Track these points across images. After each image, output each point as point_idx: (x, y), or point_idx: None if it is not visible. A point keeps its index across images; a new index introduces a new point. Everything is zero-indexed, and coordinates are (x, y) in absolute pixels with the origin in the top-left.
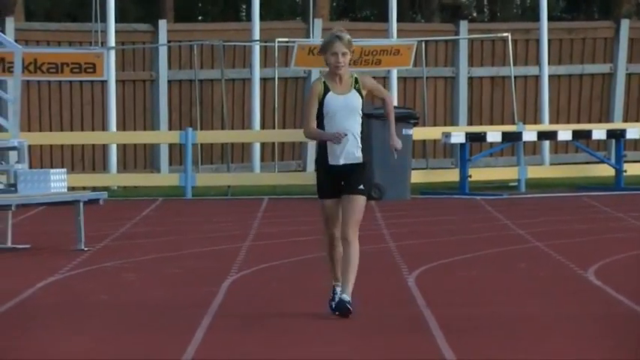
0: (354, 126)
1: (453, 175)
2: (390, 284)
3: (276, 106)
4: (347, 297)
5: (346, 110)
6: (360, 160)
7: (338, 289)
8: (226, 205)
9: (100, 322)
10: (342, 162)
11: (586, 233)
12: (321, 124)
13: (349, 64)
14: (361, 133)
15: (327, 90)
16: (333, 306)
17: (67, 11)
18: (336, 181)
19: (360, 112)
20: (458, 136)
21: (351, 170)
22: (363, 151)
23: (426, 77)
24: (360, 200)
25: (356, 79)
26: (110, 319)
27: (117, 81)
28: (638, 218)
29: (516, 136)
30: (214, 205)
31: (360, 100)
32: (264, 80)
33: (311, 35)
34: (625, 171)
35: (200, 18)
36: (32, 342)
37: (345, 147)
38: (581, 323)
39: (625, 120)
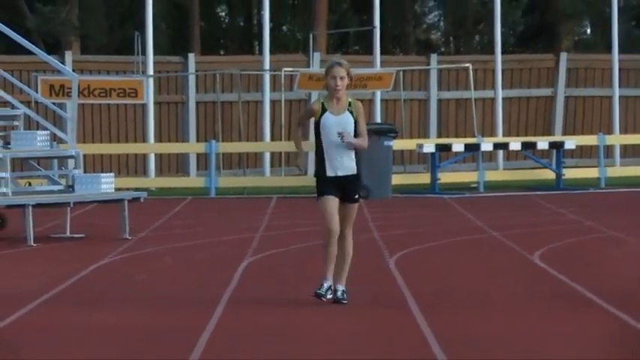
0: (343, 143)
1: (425, 178)
2: (374, 266)
3: (283, 122)
4: (342, 287)
5: (339, 128)
6: (355, 172)
7: (326, 285)
8: (242, 203)
9: (140, 297)
10: (339, 173)
11: (533, 225)
12: (318, 139)
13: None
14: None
15: (324, 110)
16: (321, 290)
17: (114, 46)
18: (336, 186)
19: (352, 133)
20: (429, 147)
21: (348, 180)
22: (357, 163)
23: (403, 99)
24: (356, 207)
25: (350, 102)
26: (148, 295)
27: (154, 103)
28: (575, 213)
29: (476, 147)
30: (233, 203)
31: (352, 120)
32: (273, 102)
33: (311, 65)
34: (564, 175)
35: (222, 52)
36: (85, 312)
37: (341, 161)
38: (530, 298)
39: (564, 133)
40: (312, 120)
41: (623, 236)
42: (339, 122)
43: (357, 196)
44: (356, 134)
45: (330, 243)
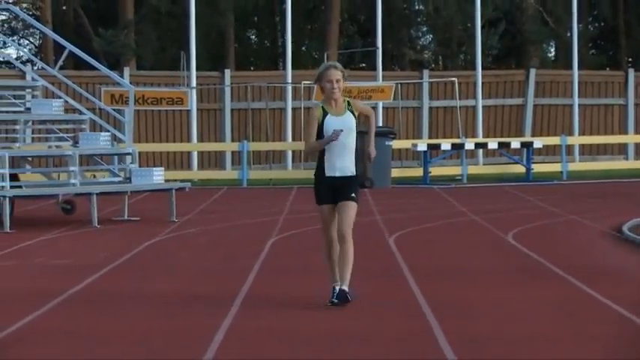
0: (350, 142)
1: (418, 172)
2: (377, 243)
3: (303, 126)
4: (346, 288)
5: (343, 129)
6: (353, 174)
7: (337, 288)
8: (269, 192)
9: (184, 268)
10: (337, 174)
11: (507, 210)
12: None
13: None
14: (356, 150)
15: (325, 113)
16: (334, 297)
17: (164, 63)
18: (332, 191)
19: (355, 131)
20: (422, 146)
21: (345, 181)
22: (356, 165)
23: (401, 107)
24: (353, 205)
25: (348, 102)
26: (191, 267)
27: (197, 110)
28: (541, 200)
29: (460, 146)
30: (261, 192)
31: (354, 120)
32: (294, 109)
33: None
34: (532, 169)
35: (252, 68)
36: (139, 280)
37: (342, 161)
38: (504, 269)
39: (532, 135)
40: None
41: (581, 220)
42: (341, 123)
43: (353, 194)
44: (358, 133)
45: (331, 253)
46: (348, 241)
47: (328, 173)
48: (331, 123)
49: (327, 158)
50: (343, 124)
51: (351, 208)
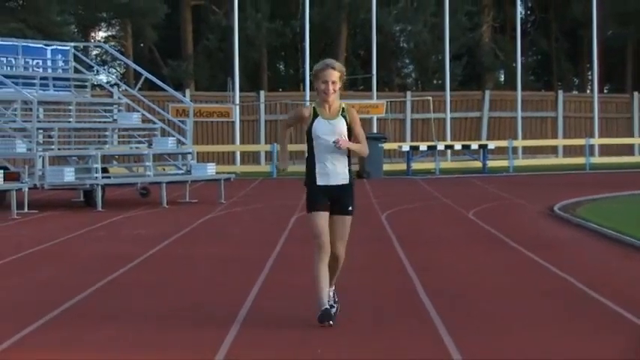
0: (340, 149)
1: (403, 166)
2: (372, 219)
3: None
4: (331, 293)
5: (332, 134)
6: (347, 182)
7: (323, 309)
8: (293, 181)
9: (230, 237)
10: (331, 182)
11: (468, 194)
12: (310, 146)
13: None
14: (348, 157)
15: (316, 115)
16: (331, 320)
17: (215, 85)
18: (326, 199)
19: (346, 137)
20: (406, 147)
21: (340, 190)
22: (350, 171)
23: (390, 119)
24: (349, 221)
25: (343, 108)
26: (235, 236)
27: (240, 121)
28: (494, 188)
29: (434, 147)
30: (287, 182)
31: (345, 126)
32: None
33: None
34: (487, 164)
35: (280, 90)
36: (198, 245)
37: (334, 167)
38: (466, 238)
39: (487, 139)
40: (304, 127)
41: (524, 202)
42: (332, 128)
43: (350, 208)
44: (350, 140)
45: (321, 261)
46: (341, 260)
47: (320, 182)
48: (320, 127)
49: (317, 164)
50: (332, 128)
51: (346, 225)
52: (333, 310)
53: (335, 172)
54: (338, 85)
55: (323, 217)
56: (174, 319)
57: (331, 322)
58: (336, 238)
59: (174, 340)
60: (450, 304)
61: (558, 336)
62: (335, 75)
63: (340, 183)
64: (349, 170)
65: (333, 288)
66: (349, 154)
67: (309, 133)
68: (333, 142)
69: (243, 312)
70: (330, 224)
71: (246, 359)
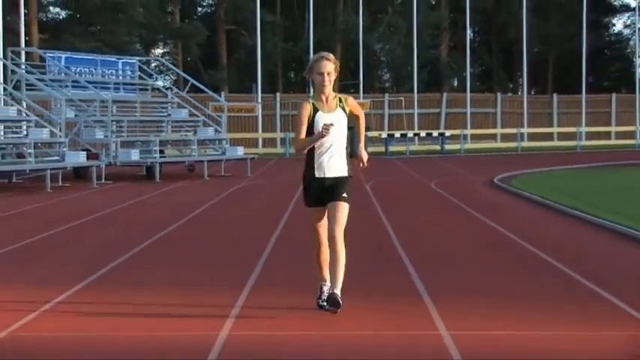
0: (341, 141)
1: (382, 149)
2: (359, 188)
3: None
4: (338, 292)
5: (334, 127)
6: (345, 174)
7: (325, 288)
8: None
9: (253, 203)
10: (328, 175)
11: (431, 170)
12: None
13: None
14: (350, 129)
15: (316, 110)
16: (323, 301)
17: (243, 89)
18: (322, 192)
19: (346, 129)
20: (384, 135)
21: (336, 181)
22: (348, 166)
23: (373, 114)
24: (344, 206)
25: (340, 99)
26: (257, 202)
27: (262, 115)
28: (450, 164)
29: (405, 135)
30: (298, 160)
31: (346, 118)
32: None
33: None
34: (445, 148)
35: (291, 92)
36: (230, 209)
37: (332, 160)
38: (430, 204)
39: (445, 129)
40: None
41: (472, 175)
42: (334, 121)
43: (344, 194)
44: (349, 130)
45: (320, 256)
46: (339, 244)
47: (318, 174)
48: (322, 120)
49: (316, 156)
50: (334, 120)
51: (342, 209)
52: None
53: (333, 166)
54: (333, 77)
55: (318, 214)
56: (213, 264)
57: (339, 309)
58: (330, 221)
59: (209, 280)
60: (417, 250)
61: (495, 272)
62: (330, 66)
63: (337, 175)
64: (347, 163)
65: (339, 289)
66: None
67: (310, 127)
68: (324, 125)
69: (265, 255)
70: (327, 210)
71: (274, 279)
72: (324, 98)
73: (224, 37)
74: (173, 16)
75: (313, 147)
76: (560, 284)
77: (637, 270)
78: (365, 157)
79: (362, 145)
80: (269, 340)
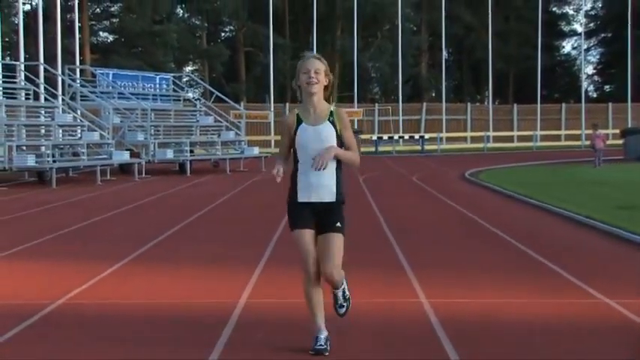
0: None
1: (373, 149)
2: (353, 182)
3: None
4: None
5: (317, 142)
6: (334, 199)
7: (322, 337)
8: None
9: (266, 192)
10: (313, 199)
11: (413, 166)
12: (296, 156)
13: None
14: (337, 169)
15: (300, 122)
16: (326, 351)
17: (259, 98)
18: (309, 214)
19: (335, 144)
20: (374, 137)
21: (325, 208)
22: (338, 185)
23: (365, 119)
24: (339, 239)
25: (332, 111)
26: (268, 192)
27: (274, 121)
28: (428, 162)
29: (392, 137)
30: None
31: (334, 132)
32: None
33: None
34: (424, 148)
35: (299, 101)
36: (247, 198)
37: (318, 180)
38: (411, 192)
39: (424, 132)
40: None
41: (446, 170)
42: (316, 134)
43: (338, 224)
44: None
45: (310, 293)
46: (338, 283)
47: (302, 197)
48: (304, 134)
49: (300, 176)
50: (317, 134)
51: (336, 245)
52: (343, 310)
53: (320, 186)
54: (323, 78)
55: (306, 237)
56: (235, 241)
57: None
58: (323, 259)
59: (233, 254)
60: (401, 229)
61: (462, 247)
62: (318, 64)
63: (325, 200)
64: (338, 184)
65: (345, 285)
66: (340, 165)
67: (292, 142)
68: (312, 158)
69: (277, 233)
70: (318, 244)
71: (285, 253)
72: (311, 109)
73: (243, 56)
74: (201, 39)
75: (296, 164)
76: (513, 256)
77: (580, 246)
78: (340, 151)
79: (340, 151)
80: (281, 306)
